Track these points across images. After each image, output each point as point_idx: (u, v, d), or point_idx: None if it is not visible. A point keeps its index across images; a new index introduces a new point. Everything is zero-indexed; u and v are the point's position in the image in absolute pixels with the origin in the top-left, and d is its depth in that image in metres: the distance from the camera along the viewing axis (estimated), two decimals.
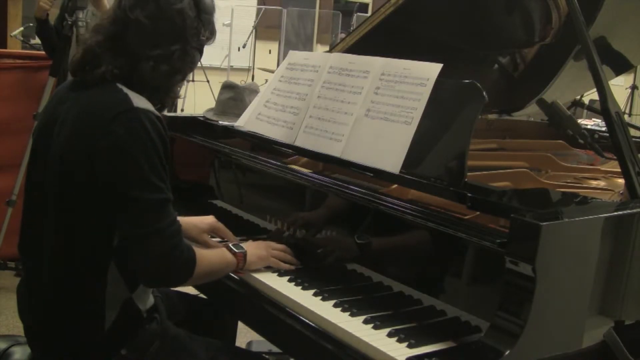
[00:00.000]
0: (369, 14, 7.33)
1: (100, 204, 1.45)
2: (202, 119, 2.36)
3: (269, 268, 1.69)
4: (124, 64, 1.51)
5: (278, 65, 2.87)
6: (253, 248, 1.69)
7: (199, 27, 1.57)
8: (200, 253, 1.52)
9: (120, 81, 1.51)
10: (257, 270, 1.67)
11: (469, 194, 1.45)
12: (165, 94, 1.60)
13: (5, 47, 5.02)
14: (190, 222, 1.83)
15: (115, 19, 1.54)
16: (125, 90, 1.49)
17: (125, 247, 1.46)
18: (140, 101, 1.48)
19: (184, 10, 1.53)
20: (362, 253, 1.60)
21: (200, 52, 1.62)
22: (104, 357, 1.54)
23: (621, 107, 1.75)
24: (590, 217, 1.34)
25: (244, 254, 1.65)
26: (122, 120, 1.43)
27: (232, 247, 1.65)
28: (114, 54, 1.51)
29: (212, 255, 1.61)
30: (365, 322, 1.40)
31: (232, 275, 1.67)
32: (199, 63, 1.72)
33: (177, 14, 1.52)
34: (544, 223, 1.20)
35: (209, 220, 1.86)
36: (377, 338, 1.34)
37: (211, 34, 1.63)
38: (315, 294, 1.54)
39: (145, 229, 1.42)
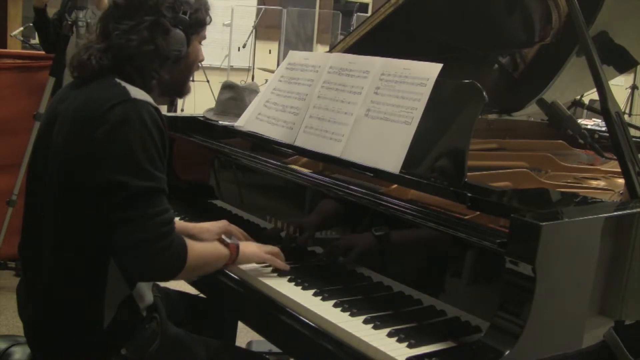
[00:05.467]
0: (369, 14, 7.32)
1: (100, 200, 1.43)
2: (202, 119, 2.36)
3: (267, 266, 1.69)
4: (107, 47, 1.53)
5: (278, 65, 2.86)
6: (245, 244, 1.70)
7: (177, 3, 1.58)
8: (192, 244, 1.51)
9: (114, 72, 1.53)
10: (257, 271, 1.67)
11: (469, 194, 1.45)
12: (142, 69, 1.55)
13: (5, 47, 5.03)
14: (202, 227, 1.84)
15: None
16: (124, 84, 1.51)
17: (115, 235, 1.41)
18: (138, 93, 1.49)
19: None
20: (375, 248, 1.58)
21: (185, 31, 1.60)
22: (104, 356, 1.54)
23: (621, 107, 1.74)
24: (590, 217, 1.34)
25: (237, 245, 1.65)
26: (119, 109, 1.44)
27: (224, 239, 1.66)
28: (98, 42, 1.56)
29: (204, 247, 1.61)
30: (365, 322, 1.40)
31: (232, 275, 1.67)
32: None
33: None
34: (544, 223, 1.20)
35: (221, 223, 1.87)
36: (377, 338, 1.34)
37: (195, 12, 1.62)
38: (315, 294, 1.54)
39: (135, 212, 1.40)
